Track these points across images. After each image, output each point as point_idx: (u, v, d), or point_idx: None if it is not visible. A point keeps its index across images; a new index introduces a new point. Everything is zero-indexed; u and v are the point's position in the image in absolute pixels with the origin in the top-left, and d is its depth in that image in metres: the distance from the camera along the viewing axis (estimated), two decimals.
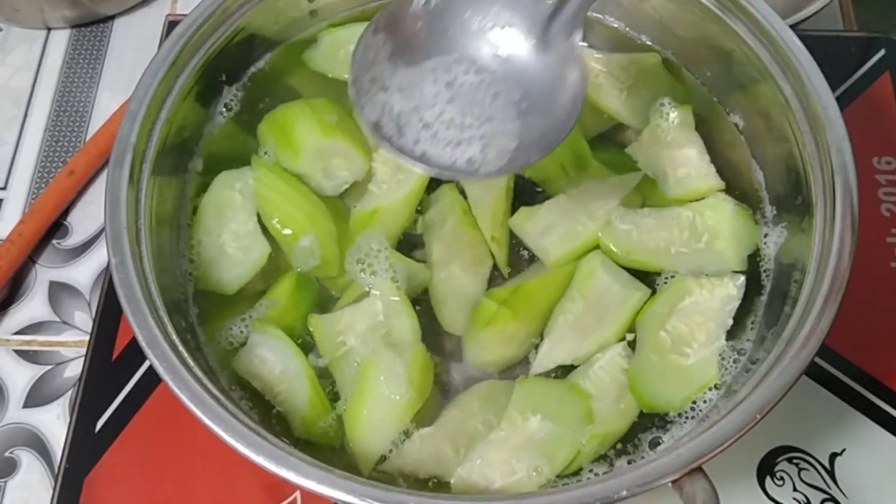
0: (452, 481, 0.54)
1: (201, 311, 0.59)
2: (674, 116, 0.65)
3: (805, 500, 0.62)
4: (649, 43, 0.69)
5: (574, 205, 0.62)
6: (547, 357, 0.58)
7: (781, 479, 0.63)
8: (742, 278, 0.58)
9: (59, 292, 0.74)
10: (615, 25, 0.69)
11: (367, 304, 0.58)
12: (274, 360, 0.57)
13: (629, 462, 0.54)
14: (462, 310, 0.60)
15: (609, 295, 0.58)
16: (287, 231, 0.60)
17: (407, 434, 0.55)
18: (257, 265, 0.60)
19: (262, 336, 0.58)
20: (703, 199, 0.62)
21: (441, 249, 0.61)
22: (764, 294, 0.59)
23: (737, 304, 0.58)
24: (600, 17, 0.70)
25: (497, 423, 0.55)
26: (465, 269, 0.61)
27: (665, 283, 0.60)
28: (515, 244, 0.63)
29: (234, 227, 0.61)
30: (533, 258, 0.62)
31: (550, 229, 0.61)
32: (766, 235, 0.61)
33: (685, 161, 0.63)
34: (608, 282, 0.58)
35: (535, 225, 0.62)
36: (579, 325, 0.58)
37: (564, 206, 0.62)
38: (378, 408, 0.54)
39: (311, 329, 0.58)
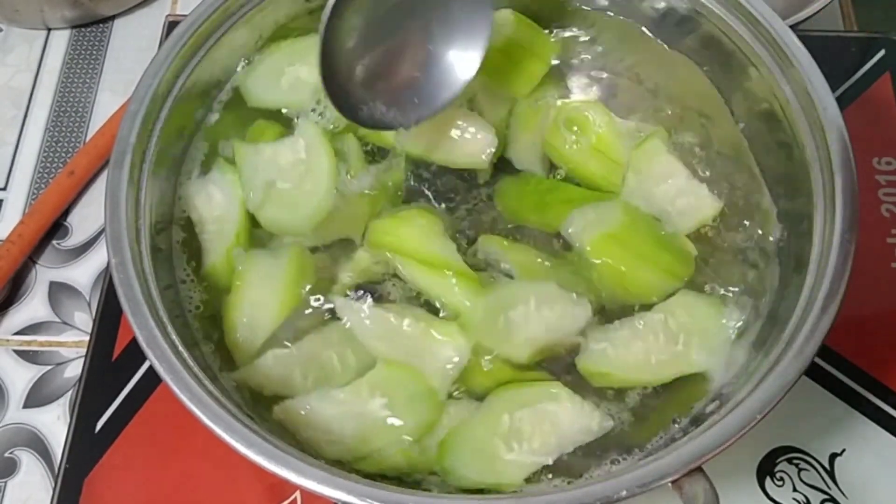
0: (275, 409, 0.55)
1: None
2: (647, 148, 0.62)
3: (805, 501, 0.62)
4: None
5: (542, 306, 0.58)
6: None
7: (781, 479, 0.63)
8: (609, 424, 0.55)
9: (59, 292, 0.74)
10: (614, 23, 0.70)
11: (289, 142, 0.61)
12: (220, 200, 0.60)
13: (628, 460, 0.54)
14: None
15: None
16: None
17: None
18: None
19: (222, 174, 0.61)
20: (707, 222, 0.61)
21: None
22: (764, 294, 0.59)
23: (589, 440, 0.54)
24: (601, 14, 0.70)
25: (352, 362, 0.56)
26: None
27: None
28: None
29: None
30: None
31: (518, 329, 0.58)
32: (766, 235, 0.61)
33: (678, 191, 0.61)
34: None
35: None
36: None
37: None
38: (252, 306, 0.57)
39: (234, 154, 0.61)
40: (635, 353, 0.56)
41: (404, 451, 0.54)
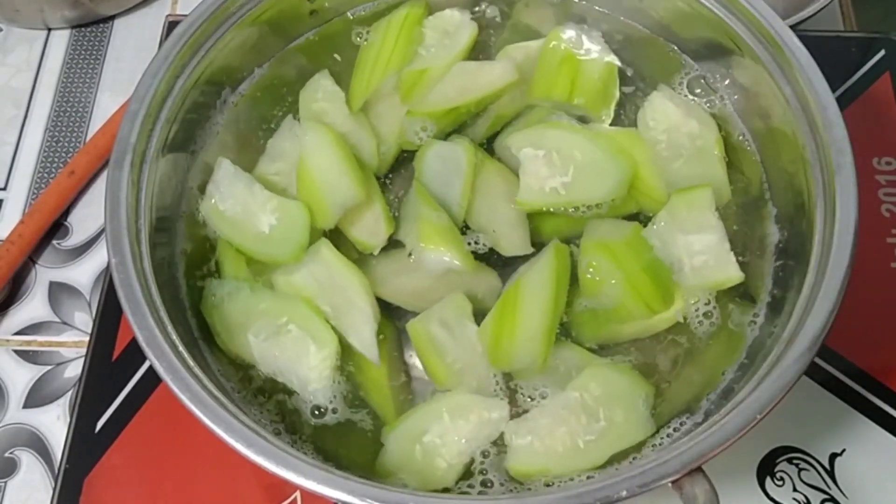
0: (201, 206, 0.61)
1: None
2: (695, 197, 0.59)
3: (805, 501, 0.62)
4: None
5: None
6: None
7: (781, 479, 0.63)
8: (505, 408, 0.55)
9: (59, 292, 0.74)
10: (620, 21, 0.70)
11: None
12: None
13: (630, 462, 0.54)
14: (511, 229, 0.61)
15: None
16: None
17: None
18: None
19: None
20: (721, 287, 0.58)
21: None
22: (765, 294, 0.59)
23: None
24: (604, 11, 0.70)
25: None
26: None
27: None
28: None
29: None
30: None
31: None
32: (766, 235, 0.61)
33: (703, 248, 0.58)
34: None
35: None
36: None
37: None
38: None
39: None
40: (562, 440, 0.53)
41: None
